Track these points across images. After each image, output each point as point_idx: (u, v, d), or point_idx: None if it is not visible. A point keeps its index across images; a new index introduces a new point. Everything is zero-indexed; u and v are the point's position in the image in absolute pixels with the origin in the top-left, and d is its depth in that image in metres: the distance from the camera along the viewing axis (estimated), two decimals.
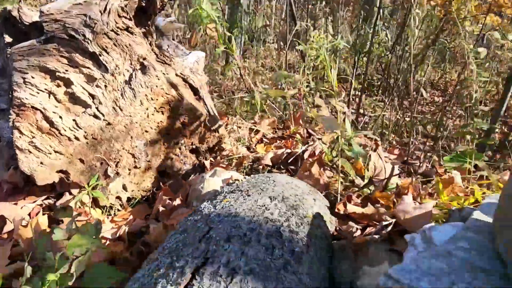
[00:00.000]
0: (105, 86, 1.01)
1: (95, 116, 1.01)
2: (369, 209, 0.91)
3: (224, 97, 2.16)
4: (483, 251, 0.61)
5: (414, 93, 2.19)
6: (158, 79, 1.07)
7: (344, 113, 1.16)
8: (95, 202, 1.22)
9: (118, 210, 1.26)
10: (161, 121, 1.14)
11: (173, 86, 1.13)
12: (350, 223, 0.89)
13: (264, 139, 1.78)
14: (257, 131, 1.78)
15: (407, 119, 2.19)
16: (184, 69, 1.22)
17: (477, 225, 0.70)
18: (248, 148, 1.65)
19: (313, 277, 0.62)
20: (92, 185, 1.08)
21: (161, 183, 1.27)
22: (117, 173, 1.15)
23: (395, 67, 2.17)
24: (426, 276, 0.54)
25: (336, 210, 0.91)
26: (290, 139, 1.78)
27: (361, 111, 2.29)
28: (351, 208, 0.91)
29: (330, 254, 0.78)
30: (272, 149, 1.58)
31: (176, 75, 1.19)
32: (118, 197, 1.23)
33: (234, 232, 0.62)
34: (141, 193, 1.28)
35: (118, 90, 1.03)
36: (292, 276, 0.57)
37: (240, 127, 1.70)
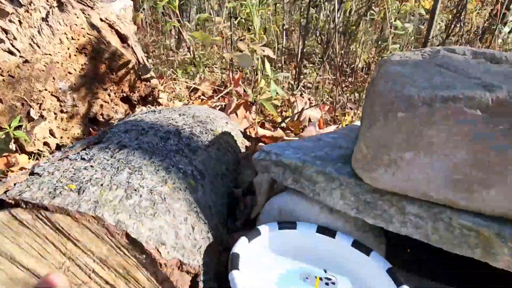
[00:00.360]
0: (20, 22, 1.00)
1: (10, 52, 1.00)
2: (278, 133, 1.03)
3: (164, 58, 2.18)
4: (347, 138, 0.74)
5: (341, 54, 2.39)
6: (78, 18, 1.09)
7: (265, 56, 1.26)
8: (21, 148, 1.21)
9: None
10: (85, 63, 1.16)
11: (96, 28, 1.14)
12: (260, 144, 1.00)
13: (202, 97, 1.84)
14: (196, 90, 1.84)
15: (343, 85, 2.38)
16: (110, 14, 1.23)
17: (351, 126, 0.83)
18: (186, 105, 1.70)
19: (208, 167, 0.71)
20: (14, 126, 1.08)
21: (91, 130, 1.29)
22: (42, 116, 1.15)
23: (333, 38, 2.33)
24: (292, 148, 0.65)
25: (248, 133, 1.01)
26: (228, 96, 1.87)
27: (304, 81, 2.44)
28: (262, 131, 1.01)
29: (236, 164, 0.88)
30: (208, 104, 1.65)
31: (101, 19, 1.20)
32: (46, 144, 1.23)
33: (134, 128, 0.68)
34: (71, 140, 1.28)
35: (35, 27, 1.03)
36: (183, 158, 0.65)
37: (177, 83, 1.75)
